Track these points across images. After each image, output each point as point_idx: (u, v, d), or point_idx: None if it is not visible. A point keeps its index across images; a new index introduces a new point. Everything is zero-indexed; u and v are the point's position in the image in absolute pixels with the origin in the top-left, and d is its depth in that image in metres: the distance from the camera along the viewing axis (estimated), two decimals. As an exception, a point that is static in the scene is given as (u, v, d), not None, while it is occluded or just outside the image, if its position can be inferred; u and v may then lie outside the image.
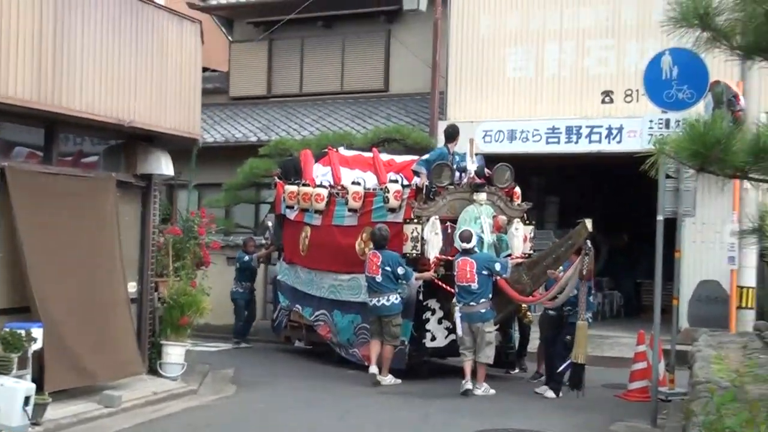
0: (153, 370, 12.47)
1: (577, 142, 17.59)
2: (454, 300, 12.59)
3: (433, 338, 13.39)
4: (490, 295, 12.32)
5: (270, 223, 17.47)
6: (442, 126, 16.53)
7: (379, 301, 12.96)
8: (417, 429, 10.21)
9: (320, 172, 15.45)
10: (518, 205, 14.00)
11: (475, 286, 12.23)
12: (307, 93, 23.32)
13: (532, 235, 14.06)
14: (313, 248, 15.06)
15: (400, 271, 12.85)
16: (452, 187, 13.42)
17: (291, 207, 15.72)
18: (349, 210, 14.17)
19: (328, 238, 14.57)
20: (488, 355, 12.31)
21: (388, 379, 12.90)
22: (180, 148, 13.12)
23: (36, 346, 9.57)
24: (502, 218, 13.40)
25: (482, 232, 12.98)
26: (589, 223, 11.78)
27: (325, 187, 14.94)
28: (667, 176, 10.91)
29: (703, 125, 6.55)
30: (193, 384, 12.44)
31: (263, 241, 18.70)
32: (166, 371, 12.40)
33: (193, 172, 13.73)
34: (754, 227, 7.98)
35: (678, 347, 12.29)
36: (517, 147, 17.89)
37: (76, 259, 10.84)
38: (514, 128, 18.05)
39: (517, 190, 14.08)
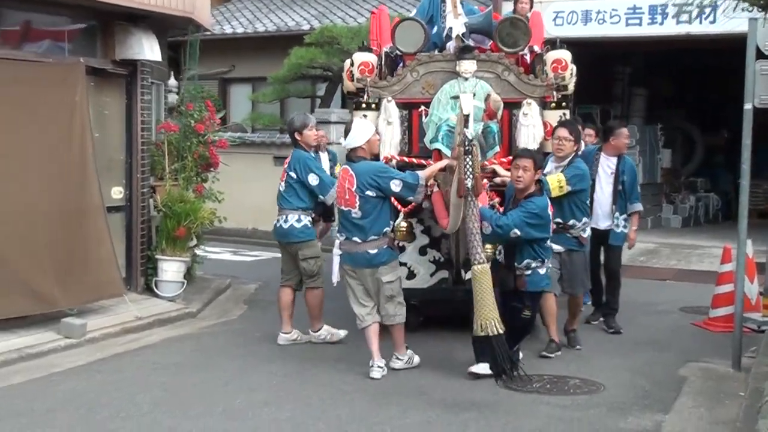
0: (149, 289, 10.84)
1: (662, 24, 15.30)
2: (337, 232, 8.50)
3: (412, 274, 9.34)
4: (387, 229, 7.97)
5: None
6: (507, 6, 14.36)
7: (277, 221, 9.05)
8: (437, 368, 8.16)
9: None
10: (542, 79, 9.03)
11: (355, 212, 7.84)
12: (373, -24, 21.25)
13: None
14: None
15: (312, 180, 8.74)
16: (426, 55, 9.15)
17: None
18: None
19: None
20: (393, 313, 8.04)
21: (322, 333, 9.20)
22: (180, 31, 11.25)
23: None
24: (496, 99, 8.64)
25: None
26: (465, 100, 7.69)
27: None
28: (763, 56, 8.68)
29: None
30: (196, 305, 10.75)
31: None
32: (161, 290, 10.75)
33: (194, 60, 11.67)
34: None
35: (779, 263, 10.24)
36: (593, 30, 15.69)
37: (33, 160, 9.00)
38: (589, 8, 15.76)
39: (562, 56, 8.99)
